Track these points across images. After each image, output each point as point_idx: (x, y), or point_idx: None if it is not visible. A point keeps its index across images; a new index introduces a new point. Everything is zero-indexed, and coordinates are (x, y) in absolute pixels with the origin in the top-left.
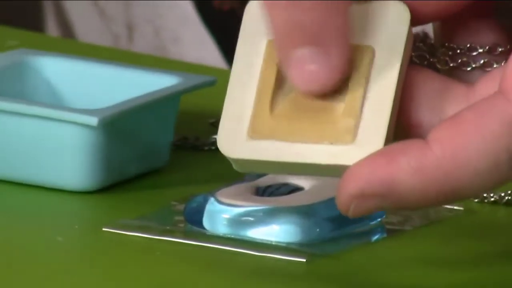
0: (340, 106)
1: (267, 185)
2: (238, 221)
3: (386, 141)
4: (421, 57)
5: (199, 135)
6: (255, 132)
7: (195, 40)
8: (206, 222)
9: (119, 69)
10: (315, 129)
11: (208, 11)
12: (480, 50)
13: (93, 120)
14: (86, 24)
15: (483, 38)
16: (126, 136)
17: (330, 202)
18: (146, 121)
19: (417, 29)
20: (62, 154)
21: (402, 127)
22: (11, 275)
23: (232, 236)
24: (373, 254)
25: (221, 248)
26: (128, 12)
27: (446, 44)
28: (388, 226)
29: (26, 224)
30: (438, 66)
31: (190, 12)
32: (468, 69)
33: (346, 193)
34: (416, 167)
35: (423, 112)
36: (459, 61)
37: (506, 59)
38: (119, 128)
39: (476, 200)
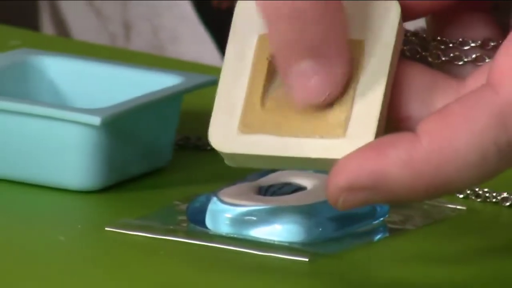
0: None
1: (270, 184)
2: (240, 221)
3: (377, 135)
4: (413, 50)
5: (201, 134)
6: (246, 126)
7: (194, 39)
8: (208, 222)
9: (120, 69)
10: (306, 123)
11: (206, 9)
12: (473, 44)
13: (96, 120)
14: (82, 23)
15: (475, 32)
16: (128, 135)
17: None
18: (148, 121)
19: (409, 23)
20: (65, 153)
21: (393, 121)
22: (13, 275)
23: (235, 236)
24: (375, 253)
25: (224, 248)
26: (125, 11)
27: (438, 38)
28: (391, 226)
29: (28, 224)
30: (430, 60)
31: (188, 11)
32: (460, 63)
33: (335, 186)
34: (405, 160)
35: (413, 105)
36: (451, 55)
37: None
38: (122, 127)
39: (479, 200)
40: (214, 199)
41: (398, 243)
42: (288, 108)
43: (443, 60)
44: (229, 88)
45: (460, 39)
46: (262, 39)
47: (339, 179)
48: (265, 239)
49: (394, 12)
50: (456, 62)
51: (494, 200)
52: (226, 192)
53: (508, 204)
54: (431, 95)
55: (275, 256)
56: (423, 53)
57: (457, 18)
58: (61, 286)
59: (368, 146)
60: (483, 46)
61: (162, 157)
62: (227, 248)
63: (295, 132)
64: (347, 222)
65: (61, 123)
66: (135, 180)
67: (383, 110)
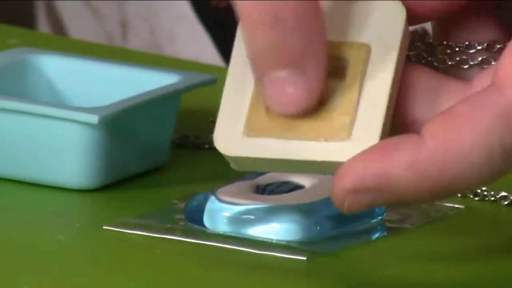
0: (336, 103)
1: (268, 183)
2: (238, 219)
3: (382, 138)
4: (419, 56)
5: (200, 133)
6: (251, 130)
7: (191, 38)
8: (206, 220)
9: (118, 67)
10: (310, 126)
11: (204, 8)
12: (479, 48)
13: (94, 118)
14: (79, 23)
15: (481, 35)
16: (127, 134)
17: (331, 200)
18: (146, 120)
19: (415, 28)
20: (63, 152)
21: (398, 124)
22: (12, 274)
23: (233, 234)
24: (373, 252)
25: (222, 246)
26: (122, 11)
27: (445, 42)
28: (389, 224)
29: (26, 222)
30: (436, 64)
31: (186, 9)
32: (466, 66)
33: (341, 188)
34: (410, 161)
35: (419, 109)
36: (457, 59)
37: None
38: (120, 126)
39: (477, 199)
40: (212, 197)
41: (396, 242)
42: None
43: (449, 65)
44: (235, 92)
45: (466, 43)
46: None
47: (345, 181)
48: (263, 238)
49: (399, 15)
50: (462, 66)
51: (492, 198)
52: (224, 191)
53: (506, 202)
54: (437, 98)
55: (273, 255)
56: (429, 58)
57: (462, 21)
58: (59, 284)
59: (373, 148)
60: (489, 48)
61: (160, 156)
62: (225, 247)
63: (300, 136)
64: (345, 221)
65: (59, 122)
66: (133, 179)
67: (388, 113)
